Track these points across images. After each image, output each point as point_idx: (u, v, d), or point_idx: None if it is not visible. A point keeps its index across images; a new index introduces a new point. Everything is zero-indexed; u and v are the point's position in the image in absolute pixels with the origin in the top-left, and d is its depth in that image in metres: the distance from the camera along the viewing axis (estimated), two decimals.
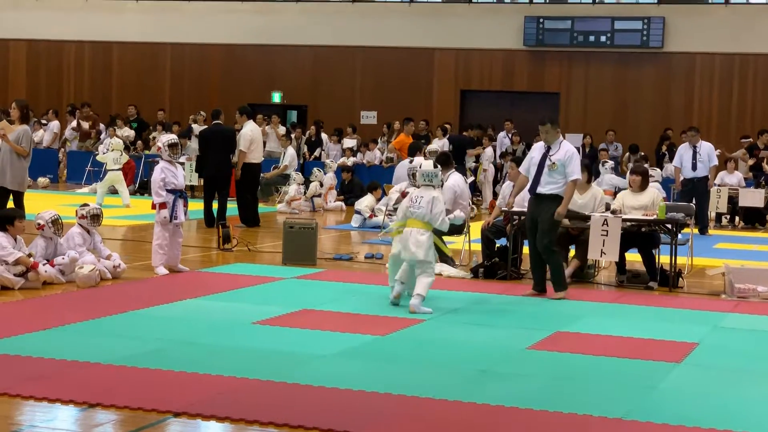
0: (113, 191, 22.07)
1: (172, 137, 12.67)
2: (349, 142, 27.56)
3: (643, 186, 13.23)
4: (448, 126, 26.67)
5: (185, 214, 12.54)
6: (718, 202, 21.53)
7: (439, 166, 11.32)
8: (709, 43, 28.19)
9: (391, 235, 11.22)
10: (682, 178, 19.66)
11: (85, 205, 12.42)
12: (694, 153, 19.59)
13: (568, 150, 11.68)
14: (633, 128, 28.12)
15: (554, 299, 11.43)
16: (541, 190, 11.59)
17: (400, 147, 23.10)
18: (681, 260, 13.22)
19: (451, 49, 30.03)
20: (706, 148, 19.76)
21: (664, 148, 26.28)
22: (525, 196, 13.31)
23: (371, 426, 6.38)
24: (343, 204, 22.98)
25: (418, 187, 10.90)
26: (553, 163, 11.51)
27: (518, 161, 13.99)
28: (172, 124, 27.65)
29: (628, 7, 29.10)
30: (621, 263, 12.89)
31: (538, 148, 11.88)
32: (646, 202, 13.02)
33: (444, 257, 13.48)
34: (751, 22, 27.91)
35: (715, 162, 20.04)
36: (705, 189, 19.72)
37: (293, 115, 31.85)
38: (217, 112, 18.69)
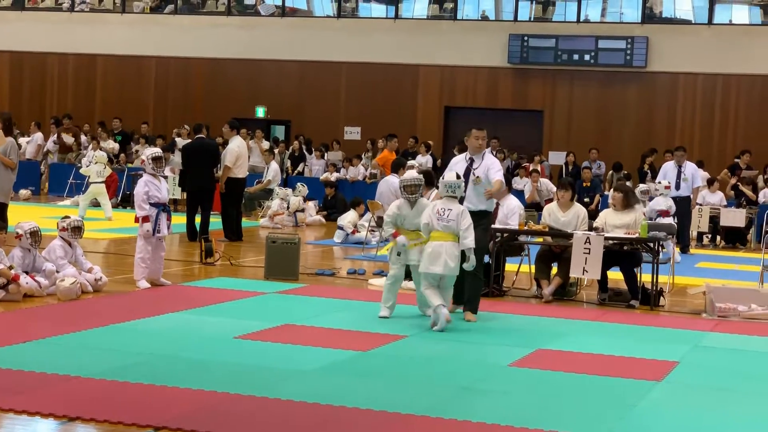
0: (95, 204, 22.01)
1: (156, 150, 12.66)
2: (334, 156, 27.56)
3: (625, 204, 13.25)
4: (431, 143, 26.75)
5: (168, 227, 12.51)
6: (699, 221, 21.62)
7: (461, 177, 10.85)
8: (692, 63, 28.32)
9: (409, 247, 10.81)
10: None
11: (66, 217, 12.37)
12: (679, 172, 19.68)
13: (488, 162, 11.29)
14: (616, 147, 28.21)
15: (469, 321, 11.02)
16: (469, 206, 10.92)
17: (384, 163, 23.11)
18: (662, 279, 13.26)
19: (435, 66, 30.08)
20: (690, 168, 19.87)
21: (646, 166, 26.36)
22: (508, 213, 13.36)
23: None
24: (322, 218, 22.96)
25: (440, 198, 10.67)
26: (477, 177, 11.12)
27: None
28: (155, 138, 27.61)
29: (612, 27, 29.21)
30: (603, 281, 12.91)
31: (459, 161, 11.43)
32: (628, 221, 13.05)
33: None
34: (733, 42, 28.06)
35: (699, 183, 20.16)
36: (687, 209, 19.81)
37: (280, 131, 31.83)
38: (200, 126, 18.68)
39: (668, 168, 20.06)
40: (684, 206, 19.54)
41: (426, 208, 10.65)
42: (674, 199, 19.32)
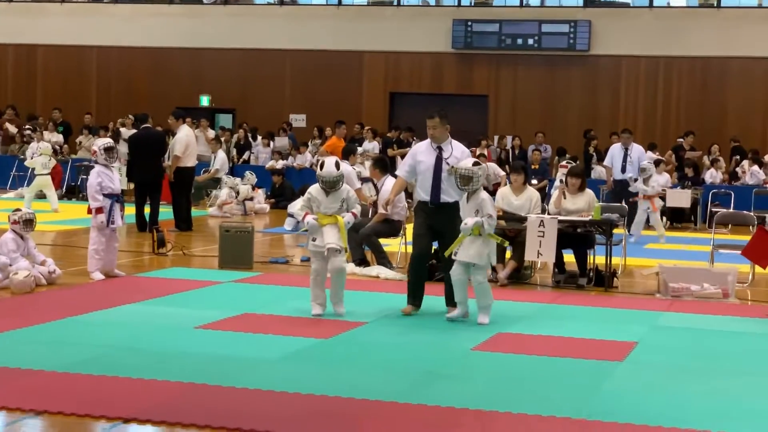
0: (40, 196, 21.75)
1: (108, 141, 12.53)
2: (280, 143, 27.46)
3: (581, 188, 13.31)
4: (377, 129, 26.77)
5: (122, 218, 12.40)
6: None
7: (480, 164, 10.11)
8: (635, 47, 28.56)
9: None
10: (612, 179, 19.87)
11: (18, 210, 12.21)
12: (625, 155, 19.77)
13: (463, 150, 10.57)
14: (561, 130, 28.40)
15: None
16: (445, 198, 10.38)
17: (332, 150, 23.05)
18: (614, 260, 13.36)
19: (380, 52, 30.08)
20: (636, 150, 19.95)
21: (591, 149, 26.57)
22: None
23: (326, 429, 6.36)
24: (268, 206, 22.87)
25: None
26: (452, 167, 10.18)
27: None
28: (99, 128, 27.34)
29: (555, 11, 29.39)
30: (560, 263, 12.99)
31: (426, 151, 10.55)
32: (582, 205, 13.10)
33: (382, 259, 13.51)
34: (675, 25, 28.34)
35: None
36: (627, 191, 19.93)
37: (226, 119, 31.65)
38: (144, 116, 18.54)
39: (615, 151, 20.17)
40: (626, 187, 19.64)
41: (490, 202, 10.05)
42: (621, 181, 19.44)
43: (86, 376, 7.51)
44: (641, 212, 18.59)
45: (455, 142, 10.61)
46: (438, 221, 10.43)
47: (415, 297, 10.62)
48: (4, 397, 6.81)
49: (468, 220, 9.92)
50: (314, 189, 10.41)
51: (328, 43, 30.25)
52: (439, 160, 10.39)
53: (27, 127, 27.57)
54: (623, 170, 19.67)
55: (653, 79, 28.67)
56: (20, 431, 6.31)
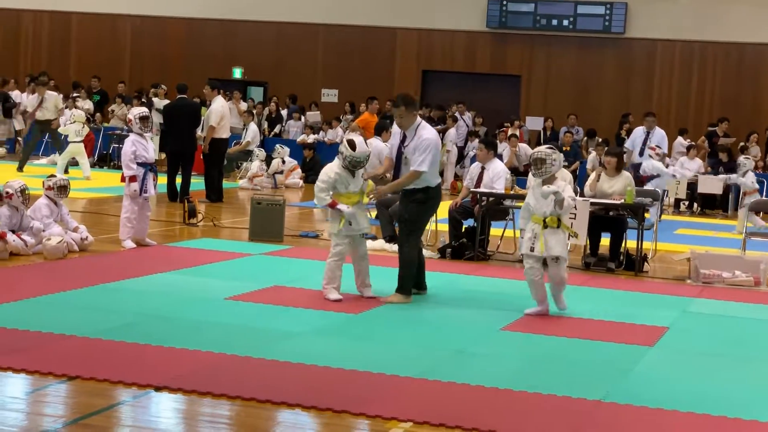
0: (73, 163, 21.84)
1: (143, 110, 12.54)
2: (312, 115, 27.44)
3: (618, 169, 13.23)
4: None
5: (155, 187, 12.44)
6: (677, 188, 21.67)
7: (554, 148, 9.65)
8: (670, 31, 28.33)
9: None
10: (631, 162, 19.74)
11: (52, 176, 12.31)
12: (646, 139, 19.61)
13: (422, 139, 9.90)
14: (594, 112, 28.24)
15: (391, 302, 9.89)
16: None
17: (365, 125, 23.03)
18: (645, 245, 13.30)
19: (413, 29, 29.96)
20: (657, 135, 19.75)
21: (623, 132, 26.41)
22: (494, 177, 13.38)
23: (355, 404, 6.37)
24: (302, 181, 22.89)
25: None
26: (406, 157, 9.94)
27: (486, 143, 14.04)
28: (132, 98, 27.39)
29: None
30: (594, 245, 12.95)
31: (395, 135, 10.25)
32: (619, 187, 13.00)
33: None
34: (712, 10, 28.07)
35: (664, 150, 20.03)
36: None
37: (258, 92, 31.64)
38: (183, 86, 18.54)
39: (637, 134, 20.02)
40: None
41: (569, 186, 9.67)
42: (639, 164, 19.20)
43: (118, 342, 7.55)
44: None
45: (423, 129, 9.99)
46: (402, 202, 10.16)
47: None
48: (37, 362, 6.86)
49: (549, 194, 9.41)
50: (337, 169, 9.88)
51: (362, 18, 30.14)
52: (399, 148, 10.10)
53: (74, 94, 27.72)
54: (641, 154, 19.50)
55: (688, 63, 28.44)
56: (51, 396, 6.35)
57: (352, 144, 9.82)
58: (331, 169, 9.96)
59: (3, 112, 26.24)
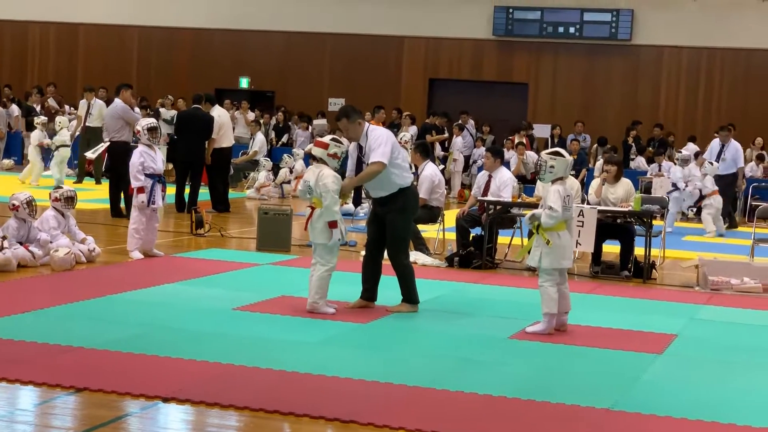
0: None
1: (152, 121, 12.55)
2: (319, 123, 27.46)
3: (618, 177, 13.25)
4: (414, 116, 26.68)
5: (163, 198, 12.44)
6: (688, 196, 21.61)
7: (560, 154, 9.34)
8: (677, 37, 28.34)
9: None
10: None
11: (59, 187, 12.33)
12: (720, 151, 19.98)
13: (373, 137, 9.62)
14: (600, 120, 28.24)
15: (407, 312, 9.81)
16: (374, 194, 9.96)
17: None
18: (653, 252, 13.29)
19: (420, 38, 30.01)
20: (731, 148, 20.07)
21: (630, 139, 26.42)
22: (501, 185, 13.37)
23: (364, 414, 6.36)
24: None
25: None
26: (368, 165, 9.70)
27: (493, 151, 14.03)
28: (139, 109, 27.39)
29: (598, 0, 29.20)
30: (597, 254, 12.94)
31: (352, 150, 9.96)
32: (621, 194, 13.05)
33: (420, 245, 13.49)
34: (719, 17, 28.07)
35: (741, 164, 20.28)
36: (725, 187, 19.80)
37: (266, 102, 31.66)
38: (198, 96, 18.58)
39: (713, 146, 20.53)
40: (722, 184, 19.57)
41: (552, 194, 9.14)
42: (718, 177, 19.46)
43: (125, 354, 7.55)
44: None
45: (374, 130, 9.71)
46: (381, 212, 9.90)
47: (364, 288, 10.02)
48: (44, 374, 6.86)
49: (535, 212, 9.34)
50: (336, 175, 9.54)
51: (369, 27, 30.19)
52: (360, 160, 9.83)
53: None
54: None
55: (695, 70, 28.44)
56: (59, 408, 6.35)
57: (337, 140, 9.64)
58: (332, 179, 9.49)
59: (26, 125, 26.26)
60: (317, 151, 9.63)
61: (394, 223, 9.80)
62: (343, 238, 9.71)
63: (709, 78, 28.38)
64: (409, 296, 9.92)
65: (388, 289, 10.02)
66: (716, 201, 18.50)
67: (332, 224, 9.42)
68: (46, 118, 23.27)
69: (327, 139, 9.69)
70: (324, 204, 9.43)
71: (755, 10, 27.83)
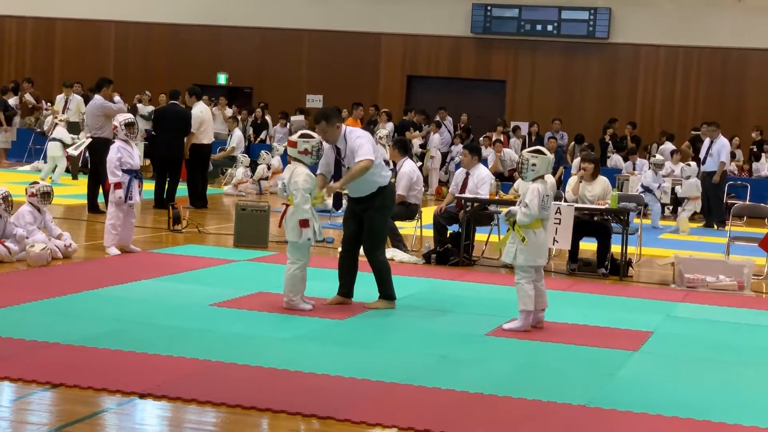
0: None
1: (129, 116, 12.52)
2: (296, 119, 27.40)
3: (595, 174, 13.29)
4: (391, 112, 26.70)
5: (140, 194, 12.40)
6: (662, 194, 21.70)
7: (541, 152, 9.35)
8: (654, 36, 28.45)
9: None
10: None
11: (35, 182, 12.26)
12: (709, 148, 19.97)
13: (354, 139, 9.65)
14: (578, 117, 28.32)
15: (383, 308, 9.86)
16: (353, 195, 9.93)
17: None
18: (630, 250, 13.34)
19: (398, 35, 30.01)
20: (717, 144, 20.01)
21: (607, 137, 26.48)
22: (478, 182, 13.39)
23: (341, 410, 6.36)
24: None
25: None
26: (348, 167, 9.69)
27: (471, 148, 14.04)
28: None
29: None
30: (574, 251, 12.98)
31: (329, 150, 9.80)
32: (598, 191, 13.10)
33: (397, 242, 13.49)
34: (696, 16, 28.19)
35: (723, 158, 20.16)
36: (711, 183, 19.89)
37: (243, 98, 31.60)
38: (175, 92, 18.53)
39: (704, 144, 20.47)
40: (708, 181, 19.67)
41: (531, 192, 9.12)
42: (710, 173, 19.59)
43: (102, 350, 7.53)
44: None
45: (352, 132, 9.73)
46: (358, 209, 9.91)
47: (341, 285, 10.01)
48: (20, 369, 6.84)
49: (511, 209, 9.33)
50: (308, 172, 9.58)
51: (346, 24, 30.17)
52: (338, 162, 9.79)
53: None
54: (703, 162, 19.85)
55: (672, 68, 28.56)
56: (35, 404, 6.33)
57: (308, 135, 9.57)
58: (303, 177, 9.46)
59: (6, 119, 26.09)
60: (290, 151, 9.65)
61: (371, 220, 9.83)
62: (318, 237, 9.68)
63: (686, 76, 28.50)
64: (386, 293, 9.94)
65: (365, 285, 10.01)
66: (697, 206, 18.67)
67: (303, 223, 9.39)
68: (67, 116, 23.14)
69: (296, 137, 9.68)
70: (294, 202, 9.43)
71: (732, 9, 27.96)
